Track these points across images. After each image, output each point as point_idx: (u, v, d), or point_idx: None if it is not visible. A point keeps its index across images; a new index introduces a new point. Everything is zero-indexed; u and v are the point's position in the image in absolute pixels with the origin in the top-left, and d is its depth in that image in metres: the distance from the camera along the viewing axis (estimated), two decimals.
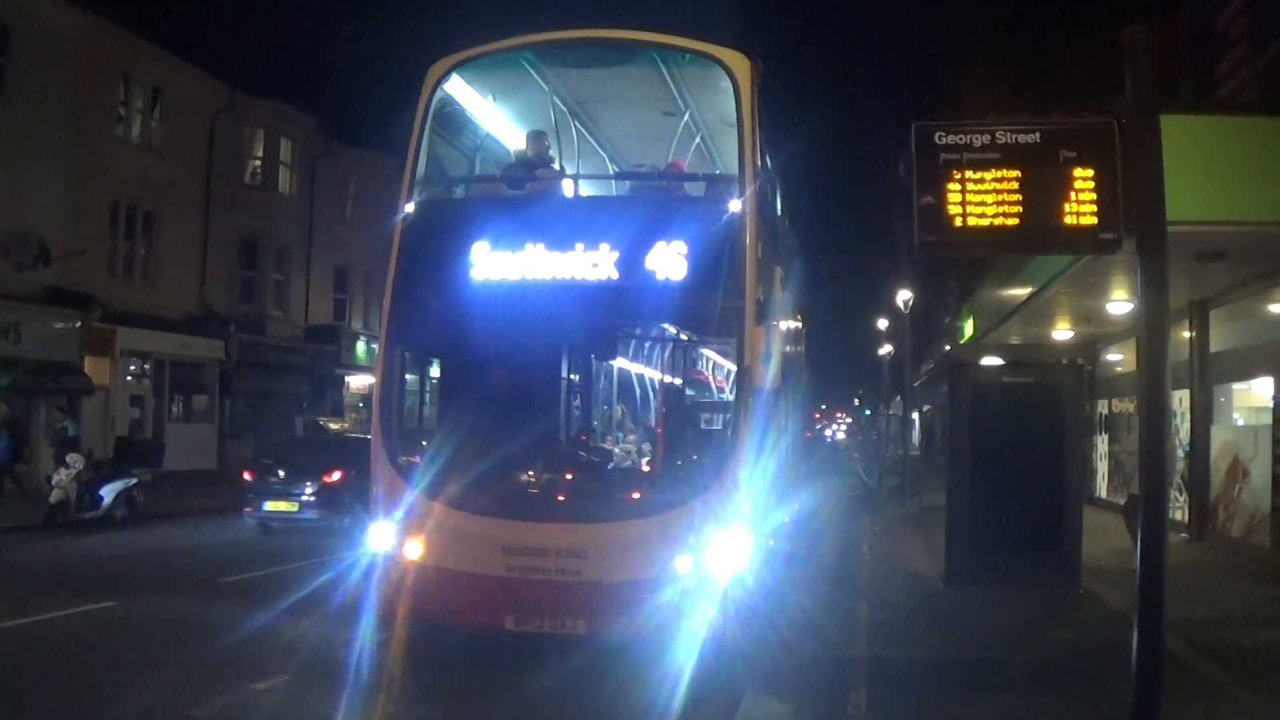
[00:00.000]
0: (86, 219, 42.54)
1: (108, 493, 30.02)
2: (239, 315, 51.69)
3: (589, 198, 17.64)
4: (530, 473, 16.06)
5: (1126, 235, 9.75)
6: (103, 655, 15.16)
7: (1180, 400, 27.06)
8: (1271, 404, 23.67)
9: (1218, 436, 27.21)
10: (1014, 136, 9.91)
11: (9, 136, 39.05)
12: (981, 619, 17.48)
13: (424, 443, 16.26)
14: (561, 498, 15.79)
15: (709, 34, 16.25)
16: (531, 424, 16.00)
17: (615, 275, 14.58)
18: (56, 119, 40.66)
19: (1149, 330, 9.76)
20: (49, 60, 40.31)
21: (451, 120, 17.95)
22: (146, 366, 47.81)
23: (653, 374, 21.18)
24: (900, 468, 50.37)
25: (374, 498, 15.11)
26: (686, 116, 18.59)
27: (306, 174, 56.26)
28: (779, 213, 21.05)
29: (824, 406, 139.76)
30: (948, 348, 50.34)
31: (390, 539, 14.62)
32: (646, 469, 18.31)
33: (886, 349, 79.64)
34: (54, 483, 29.77)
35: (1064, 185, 9.76)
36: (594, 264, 14.60)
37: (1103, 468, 38.77)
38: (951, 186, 9.83)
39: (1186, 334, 27.05)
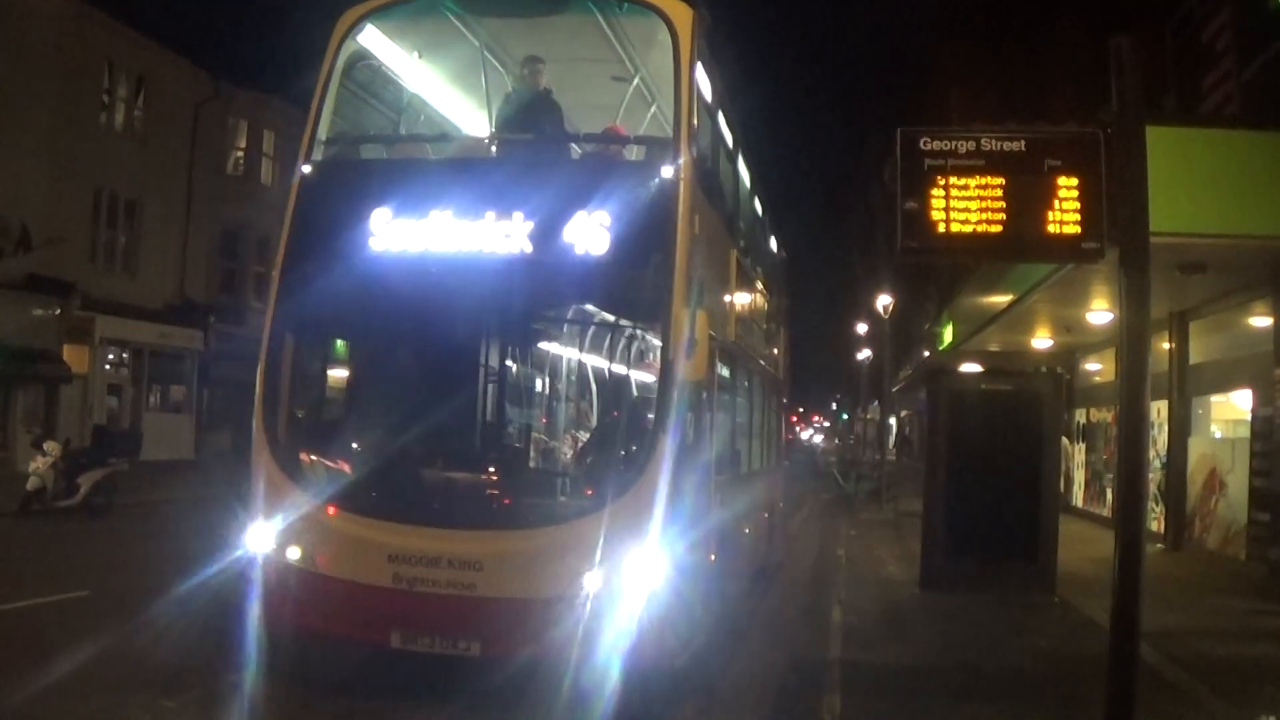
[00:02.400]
0: (68, 206, 42.37)
1: (84, 481, 29.88)
2: (219, 306, 51.43)
3: (500, 160, 15.06)
4: (426, 471, 14.24)
5: (1109, 245, 9.76)
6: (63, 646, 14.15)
7: (1158, 411, 27.13)
8: (1249, 417, 23.72)
9: (1195, 448, 27.28)
10: (999, 144, 9.94)
11: None
12: (956, 626, 17.48)
13: (311, 433, 14.59)
14: (457, 501, 13.75)
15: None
16: (432, 415, 14.17)
17: (529, 248, 12.85)
18: (40, 106, 40.50)
19: (1129, 340, 9.78)
20: (33, 47, 40.14)
21: (372, 78, 16.42)
22: (125, 355, 47.66)
23: (598, 361, 18.56)
24: (877, 472, 50.43)
25: (253, 494, 13.38)
26: (637, 80, 16.82)
27: (289, 166, 55.57)
28: (746, 190, 20.23)
29: (801, 410, 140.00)
30: (926, 353, 50.43)
31: (269, 540, 13.02)
32: (560, 471, 16.39)
33: (865, 353, 79.70)
34: (30, 470, 29.66)
35: (1048, 194, 9.78)
36: (506, 235, 12.88)
37: (1080, 477, 38.84)
38: (935, 192, 9.85)
39: (1166, 345, 27.15)
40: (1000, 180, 9.79)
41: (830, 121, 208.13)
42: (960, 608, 18.72)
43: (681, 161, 12.99)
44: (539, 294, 14.11)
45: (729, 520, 16.67)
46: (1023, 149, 9.88)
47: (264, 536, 13.05)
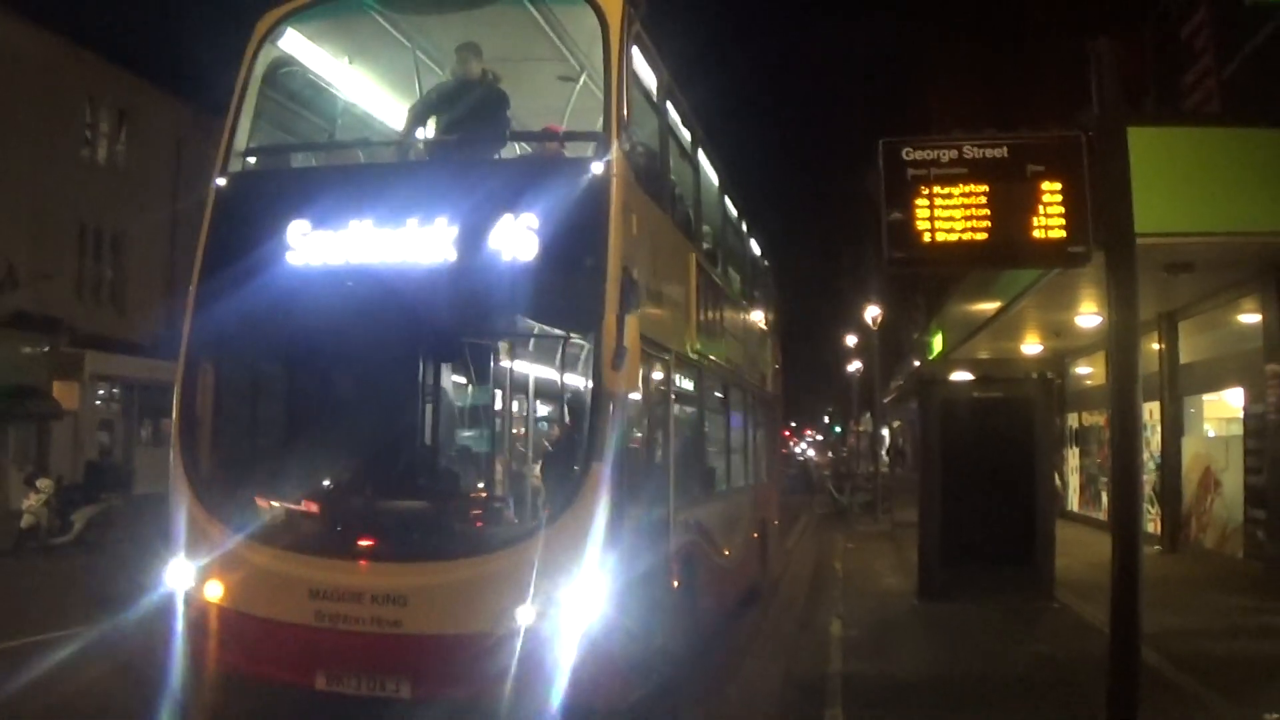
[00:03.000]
0: (54, 242, 42.42)
1: (78, 518, 29.85)
2: None
3: (421, 163, 14.31)
4: (348, 500, 13.20)
5: (1095, 248, 9.76)
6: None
7: (1150, 412, 27.11)
8: (1242, 414, 23.72)
9: (1189, 448, 27.30)
10: (981, 151, 9.95)
11: None
12: (955, 634, 17.45)
13: (230, 462, 13.52)
14: (378, 531, 12.44)
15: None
16: (353, 440, 13.66)
17: (454, 256, 11.92)
18: (22, 142, 40.50)
19: (1119, 342, 9.78)
20: (14, 83, 40.18)
21: (301, 86, 15.45)
22: (115, 390, 47.67)
23: (532, 376, 17.59)
24: (871, 484, 50.42)
25: (172, 527, 12.47)
26: (584, 79, 15.40)
27: None
28: (712, 192, 19.49)
29: (794, 424, 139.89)
30: (917, 363, 50.49)
31: (189, 577, 12.15)
32: (489, 498, 15.27)
33: (856, 365, 79.66)
34: (24, 508, 29.63)
35: (1032, 199, 9.78)
36: (429, 243, 11.97)
37: (1074, 481, 38.84)
38: (920, 202, 9.85)
39: (1156, 346, 27.14)
40: (984, 188, 9.79)
41: (813, 134, 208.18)
42: (960, 616, 18.68)
43: (612, 156, 12.04)
44: (466, 306, 13.38)
45: (700, 543, 16.09)
46: (1005, 155, 9.89)
47: (184, 573, 12.24)
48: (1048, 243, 9.81)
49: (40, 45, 41.30)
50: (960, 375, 34.25)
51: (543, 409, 17.25)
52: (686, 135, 17.07)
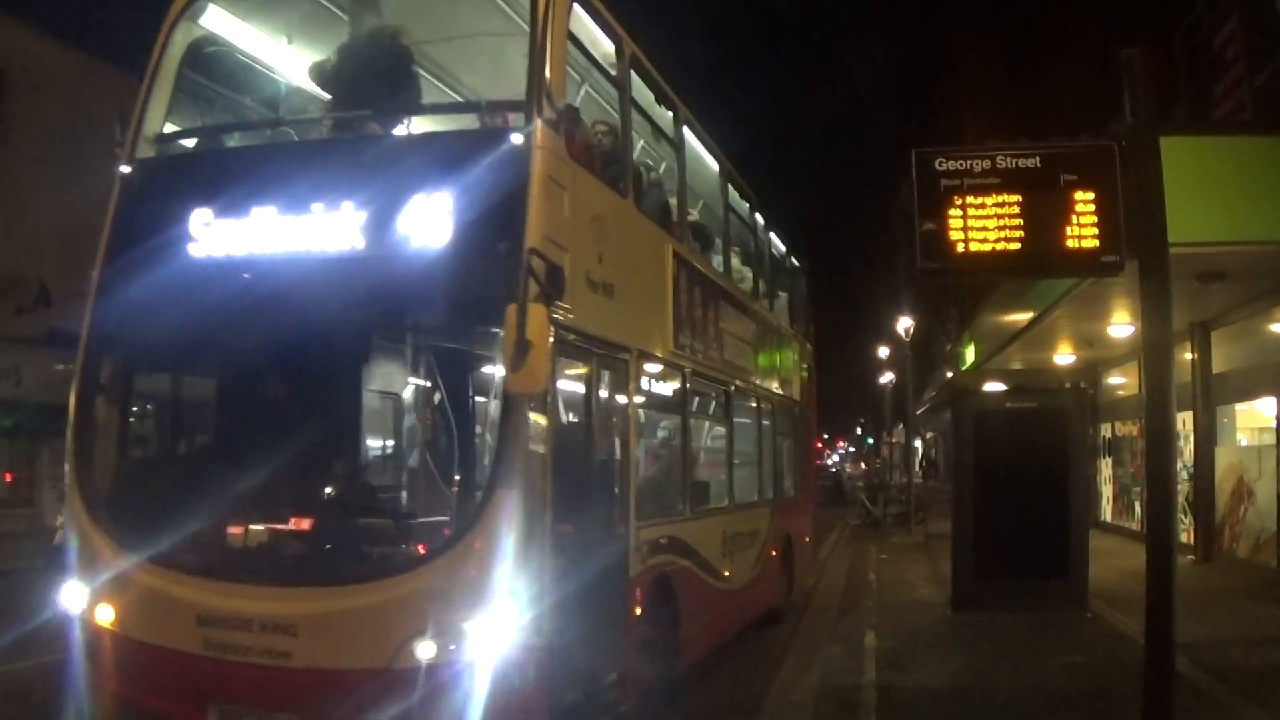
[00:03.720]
0: (86, 259, 42.37)
1: None
2: None
3: (326, 141, 12.45)
4: (240, 517, 11.49)
5: (1128, 257, 9.76)
6: None
7: (1184, 422, 27.02)
8: (1275, 424, 23.65)
9: (1222, 458, 27.21)
10: (1014, 161, 9.94)
11: (6, 178, 39.15)
12: (989, 645, 17.40)
13: (125, 475, 12.42)
14: (268, 552, 11.21)
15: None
16: (248, 451, 11.87)
17: (359, 244, 10.64)
18: (53, 160, 40.52)
19: (1152, 352, 9.78)
20: (43, 101, 40.36)
21: (235, 68, 13.94)
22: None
23: (444, 379, 13.87)
24: (904, 495, 50.34)
25: (65, 545, 11.68)
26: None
27: None
28: (712, 180, 18.85)
29: (826, 435, 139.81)
30: (949, 374, 50.41)
31: (81, 599, 11.15)
32: (393, 515, 12.63)
33: (888, 376, 79.56)
34: (58, 524, 29.69)
35: (1065, 208, 9.77)
36: (332, 230, 10.69)
37: (1107, 491, 38.75)
38: (953, 212, 9.84)
39: (1189, 355, 27.06)
40: (1017, 197, 9.78)
41: (847, 145, 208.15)
42: (993, 627, 18.63)
43: (535, 126, 10.71)
44: (370, 300, 11.19)
45: (683, 564, 15.01)
46: (1038, 165, 9.88)
47: (76, 595, 11.23)
48: (1081, 252, 9.80)
49: (69, 63, 41.35)
50: (993, 386, 34.17)
51: (455, 418, 13.76)
52: (666, 114, 15.87)
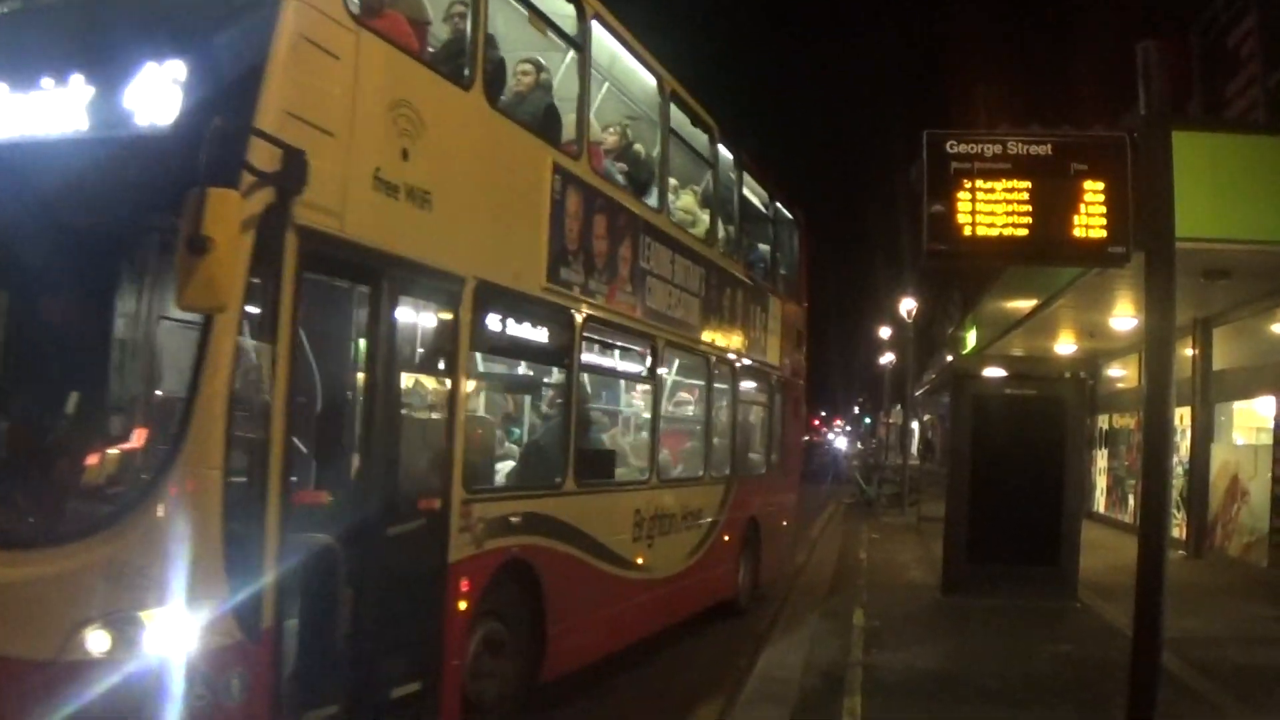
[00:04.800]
0: None
1: None
2: None
3: (48, 6, 10.08)
4: None
5: (1135, 249, 9.76)
6: None
7: (1181, 417, 27.03)
8: (1272, 424, 23.68)
9: (1217, 455, 27.23)
10: (1025, 148, 9.89)
11: None
12: (978, 630, 17.45)
13: None
14: None
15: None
16: None
17: (83, 125, 8.65)
18: None
19: (1153, 345, 9.78)
20: None
21: None
22: None
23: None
24: (899, 476, 50.40)
25: None
26: None
27: None
28: (639, 84, 16.31)
29: (824, 413, 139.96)
30: (950, 358, 50.44)
31: None
32: (75, 469, 9.10)
33: (888, 357, 79.64)
34: None
35: (1074, 197, 9.74)
36: (53, 110, 8.76)
37: (1101, 483, 38.78)
38: (962, 195, 9.80)
39: (1190, 351, 27.06)
40: (1026, 184, 9.74)
41: (852, 126, 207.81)
42: (982, 612, 18.67)
43: None
44: (57, 194, 8.68)
45: (559, 550, 12.81)
46: (1049, 153, 9.84)
47: None
48: (1088, 242, 9.77)
49: None
50: (993, 371, 34.22)
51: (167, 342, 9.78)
52: (566, 7, 13.48)
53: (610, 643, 14.45)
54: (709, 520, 18.24)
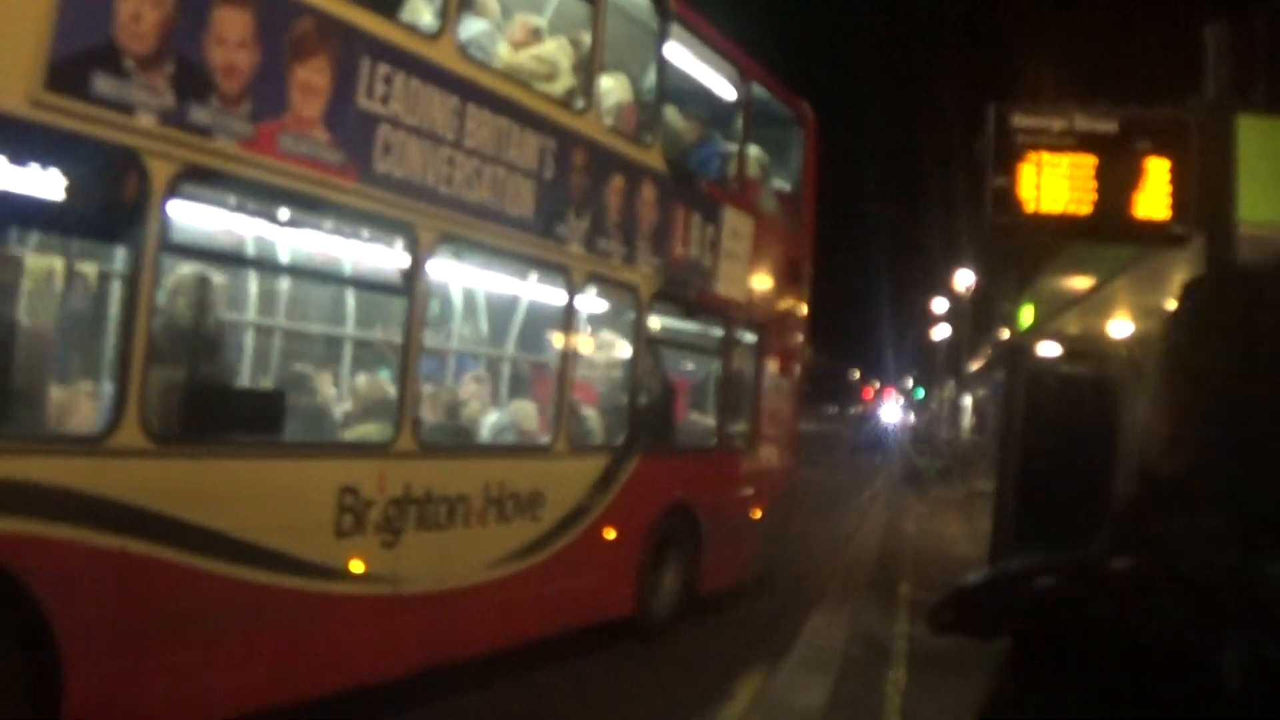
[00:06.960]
0: None
1: None
2: None
3: None
4: None
5: (1196, 231, 9.75)
6: None
7: None
8: None
9: None
10: (1092, 124, 9.89)
11: None
12: None
13: None
14: None
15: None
16: None
17: None
18: None
19: None
20: None
21: None
22: None
23: None
24: (949, 450, 50.25)
25: None
26: None
27: None
28: None
29: (878, 385, 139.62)
30: (1004, 334, 50.25)
31: None
32: None
33: (941, 331, 79.20)
34: None
35: (1138, 176, 9.75)
36: None
37: None
38: (1026, 169, 9.82)
39: None
40: (1092, 160, 9.74)
41: (908, 98, 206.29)
42: None
43: None
44: None
45: (59, 542, 7.01)
46: (1115, 130, 9.84)
47: None
48: (1151, 222, 9.79)
49: None
50: (1048, 349, 34.09)
51: None
52: None
53: (268, 698, 8.77)
54: (567, 508, 12.78)
